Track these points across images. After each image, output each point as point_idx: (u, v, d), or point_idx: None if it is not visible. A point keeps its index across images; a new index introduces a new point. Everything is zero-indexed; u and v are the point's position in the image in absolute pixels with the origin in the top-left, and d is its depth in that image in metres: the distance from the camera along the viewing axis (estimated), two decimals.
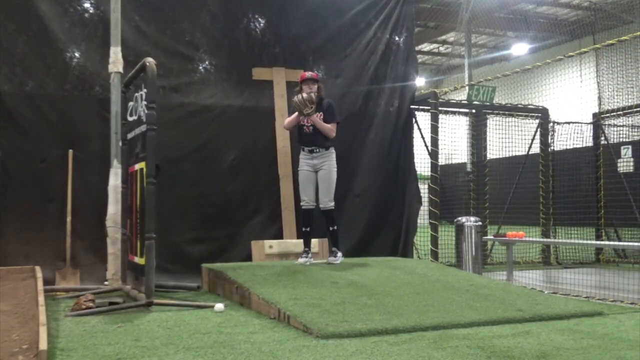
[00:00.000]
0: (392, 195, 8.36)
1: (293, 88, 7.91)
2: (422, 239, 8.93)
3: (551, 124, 9.96)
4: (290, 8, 8.03)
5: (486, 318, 4.49)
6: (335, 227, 6.63)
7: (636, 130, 10.31)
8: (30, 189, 6.77)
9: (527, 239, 8.28)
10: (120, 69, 6.58)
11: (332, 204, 6.57)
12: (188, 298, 5.83)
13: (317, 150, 6.57)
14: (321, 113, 6.57)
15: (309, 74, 6.70)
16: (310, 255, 6.62)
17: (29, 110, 6.80)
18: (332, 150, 6.64)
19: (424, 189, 8.79)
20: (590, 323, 4.58)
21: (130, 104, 6.16)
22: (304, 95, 6.45)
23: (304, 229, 6.68)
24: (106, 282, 6.41)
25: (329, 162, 6.59)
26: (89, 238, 6.80)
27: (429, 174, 8.82)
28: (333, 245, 6.72)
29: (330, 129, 6.55)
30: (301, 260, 6.56)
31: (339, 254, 6.65)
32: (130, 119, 6.16)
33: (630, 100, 10.54)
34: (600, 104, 11.05)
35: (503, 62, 24.00)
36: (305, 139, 6.62)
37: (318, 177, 6.58)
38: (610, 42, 8.19)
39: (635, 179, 10.01)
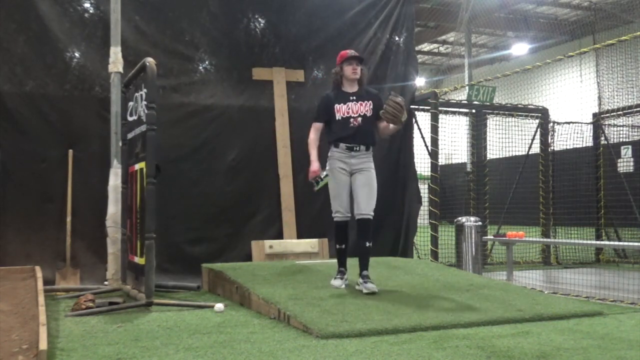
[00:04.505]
0: (392, 195, 8.34)
1: (293, 88, 7.95)
2: (422, 239, 8.94)
3: (551, 124, 9.96)
4: (290, 8, 8.02)
5: (486, 318, 4.49)
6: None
7: (636, 130, 10.31)
8: (30, 189, 6.77)
9: (527, 239, 8.28)
10: (120, 69, 6.58)
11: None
12: (188, 298, 5.83)
13: (358, 148, 5.37)
14: (370, 102, 5.48)
15: (351, 52, 5.50)
16: (346, 277, 5.45)
17: (29, 110, 6.81)
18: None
19: (424, 189, 8.79)
20: (590, 323, 4.58)
21: (130, 103, 6.16)
22: (398, 100, 5.24)
23: (338, 246, 5.46)
24: (106, 282, 6.41)
25: (369, 162, 5.43)
26: (89, 238, 6.80)
27: (429, 174, 8.82)
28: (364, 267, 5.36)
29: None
30: (336, 282, 5.39)
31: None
32: (130, 119, 6.16)
33: (630, 100, 10.53)
34: (600, 104, 11.05)
35: (503, 62, 24.00)
36: (350, 132, 5.34)
37: (357, 180, 5.38)
38: (610, 42, 8.18)
39: (635, 179, 10.01)
